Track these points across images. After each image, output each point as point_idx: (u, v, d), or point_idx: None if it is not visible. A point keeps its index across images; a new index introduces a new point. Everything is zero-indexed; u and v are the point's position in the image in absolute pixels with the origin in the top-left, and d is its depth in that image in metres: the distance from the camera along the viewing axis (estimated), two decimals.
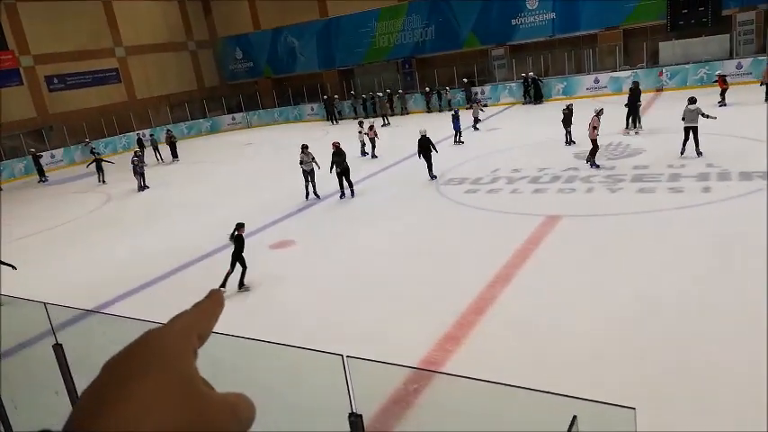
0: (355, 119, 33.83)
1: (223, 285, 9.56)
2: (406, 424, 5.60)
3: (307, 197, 15.45)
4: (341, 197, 15.02)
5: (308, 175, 15.27)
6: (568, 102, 17.72)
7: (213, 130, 38.11)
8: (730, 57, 25.10)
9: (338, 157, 14.79)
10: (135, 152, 22.39)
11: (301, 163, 15.16)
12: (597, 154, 14.44)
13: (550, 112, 23.68)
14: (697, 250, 8.82)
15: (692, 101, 14.19)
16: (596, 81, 26.91)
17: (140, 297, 10.26)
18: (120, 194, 20.78)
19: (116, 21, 36.09)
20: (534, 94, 27.82)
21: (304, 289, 9.67)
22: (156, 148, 27.77)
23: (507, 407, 3.07)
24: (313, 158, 15.12)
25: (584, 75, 28.16)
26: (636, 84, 18.31)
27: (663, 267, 8.41)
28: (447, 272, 9.43)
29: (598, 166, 14.24)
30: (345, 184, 14.96)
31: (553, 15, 29.13)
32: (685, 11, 25.54)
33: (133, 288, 10.67)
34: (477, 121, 22.69)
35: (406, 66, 34.88)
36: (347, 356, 3.07)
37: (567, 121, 17.13)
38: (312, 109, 36.82)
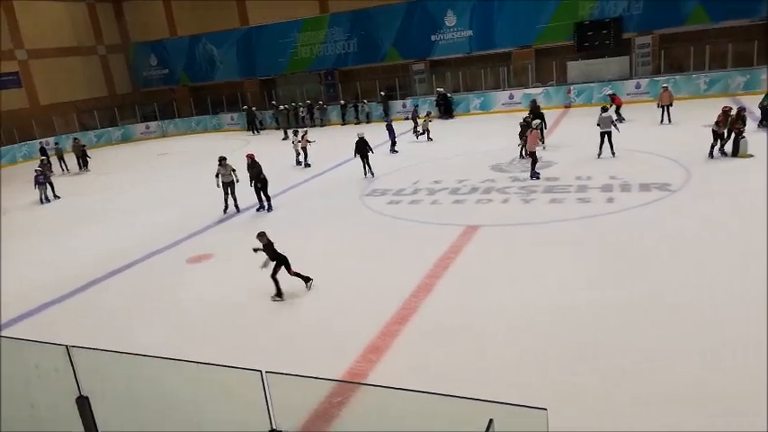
0: (277, 129, 33.56)
1: (306, 280, 9.26)
2: None
3: (225, 210, 14.99)
4: (257, 209, 14.72)
5: (228, 187, 14.81)
6: (482, 117, 18.05)
7: (125, 138, 36.28)
8: (630, 77, 27.12)
9: (253, 169, 14.43)
10: (41, 161, 20.98)
11: (217, 175, 14.73)
12: (537, 165, 15.01)
13: (465, 125, 24.51)
14: (604, 256, 9.40)
15: (605, 109, 16.26)
16: (511, 97, 28.18)
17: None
18: (19, 207, 19.27)
19: (16, 21, 33.65)
20: (444, 109, 28.77)
21: (219, 304, 9.37)
22: (61, 158, 26.07)
23: (428, 414, 3.13)
24: (233, 170, 14.71)
25: (499, 91, 29.41)
26: (533, 101, 19.22)
27: (573, 273, 8.89)
28: (369, 283, 9.47)
29: (539, 177, 14.82)
30: (264, 196, 14.63)
31: (470, 33, 30.28)
32: (590, 33, 27.37)
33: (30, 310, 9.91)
34: (427, 132, 22.62)
35: (329, 77, 34.95)
36: (266, 372, 3.01)
37: (523, 133, 16.72)
38: (232, 118, 36.00)
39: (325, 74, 34.98)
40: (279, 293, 9.11)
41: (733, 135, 14.44)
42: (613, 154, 15.89)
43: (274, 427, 3.23)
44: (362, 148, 17.17)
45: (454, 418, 2.81)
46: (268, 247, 9.02)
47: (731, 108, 14.43)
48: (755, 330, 6.61)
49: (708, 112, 20.69)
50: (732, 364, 6.12)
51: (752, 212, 10.36)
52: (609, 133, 15.85)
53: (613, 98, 21.20)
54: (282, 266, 9.06)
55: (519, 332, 7.32)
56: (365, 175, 17.35)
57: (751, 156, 14.21)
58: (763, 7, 24.85)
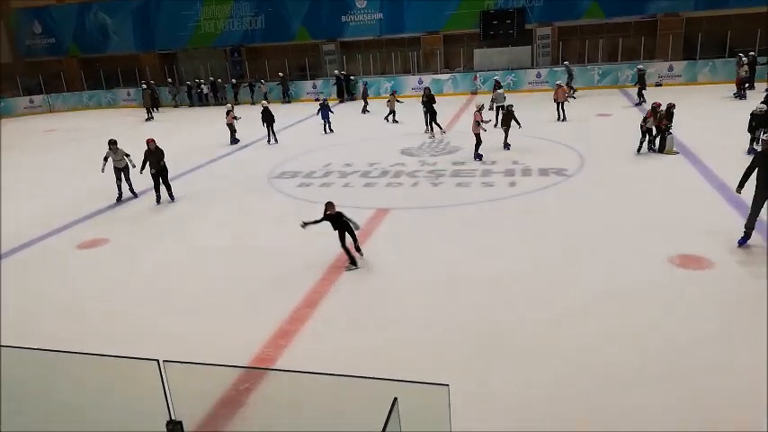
0: (176, 107, 31.95)
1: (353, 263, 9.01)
2: (236, 424, 5.41)
3: (120, 198, 13.69)
4: (157, 202, 13.17)
5: (121, 172, 13.50)
6: (508, 103, 16.80)
7: (5, 113, 32.98)
8: (532, 66, 28.43)
9: (153, 156, 12.92)
10: None
11: (106, 159, 13.36)
12: (480, 147, 15.23)
13: (375, 108, 24.53)
14: (509, 236, 9.84)
15: (498, 85, 18.63)
16: (420, 81, 28.60)
17: None
18: None
19: None
20: (338, 92, 28.94)
21: (118, 292, 8.83)
22: None
23: (335, 396, 3.12)
24: (125, 155, 13.39)
25: (409, 75, 29.77)
26: (427, 89, 19.48)
27: (478, 252, 9.24)
28: (279, 267, 9.30)
29: (481, 158, 15.07)
30: (163, 187, 13.18)
31: (380, 16, 30.30)
32: (495, 22, 28.32)
33: None
34: (393, 113, 21.76)
35: (235, 54, 33.67)
36: (164, 361, 2.85)
37: (506, 120, 16.14)
38: (129, 94, 33.79)
39: (230, 50, 33.65)
40: (353, 262, 9.00)
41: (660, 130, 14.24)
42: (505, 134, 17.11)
43: (173, 418, 3.08)
44: (269, 117, 19.00)
45: (360, 398, 2.81)
46: (335, 217, 8.95)
47: (660, 104, 14.38)
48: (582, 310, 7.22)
49: (601, 101, 22.25)
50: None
51: (629, 200, 11.27)
52: (502, 107, 17.59)
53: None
54: (348, 235, 9.02)
55: (425, 311, 7.50)
56: (268, 141, 19.17)
57: (676, 152, 14.08)
58: (650, 6, 26.90)
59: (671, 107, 14.22)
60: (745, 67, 21.15)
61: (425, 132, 18.95)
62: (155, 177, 13.06)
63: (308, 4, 31.00)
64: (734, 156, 13.08)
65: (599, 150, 15.05)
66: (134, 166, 13.37)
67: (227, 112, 19.90)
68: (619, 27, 28.17)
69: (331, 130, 20.56)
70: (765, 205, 8.38)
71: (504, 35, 28.31)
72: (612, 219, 10.31)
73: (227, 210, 12.64)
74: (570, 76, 22.94)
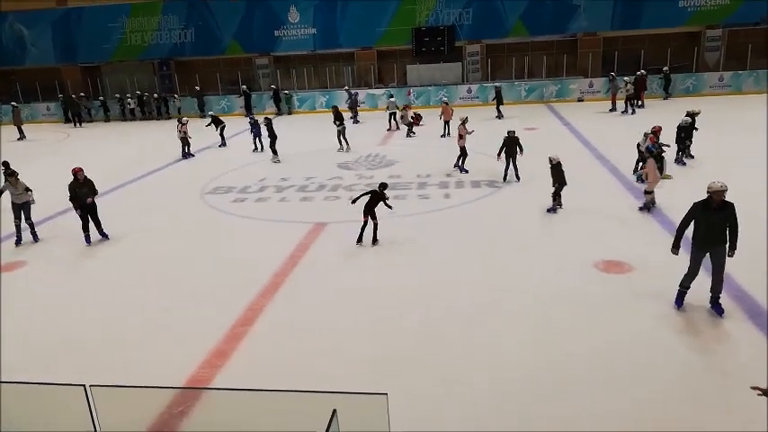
0: (106, 122, 30.69)
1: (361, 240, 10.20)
2: None
3: (19, 242, 11.28)
4: (87, 242, 11.06)
5: (20, 209, 11.11)
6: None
7: None
8: (462, 82, 29.28)
9: (82, 188, 10.76)
10: None
11: (0, 192, 11.15)
12: (465, 160, 15.08)
13: (310, 122, 24.45)
14: (442, 245, 10.04)
15: (391, 95, 21.15)
16: (350, 95, 28.76)
17: None
18: None
19: None
20: (280, 104, 28.98)
21: (45, 314, 8.32)
22: None
23: (274, 412, 3.09)
24: (26, 189, 11.12)
25: (344, 89, 29.91)
26: (335, 107, 19.76)
27: (413, 263, 9.38)
28: (213, 285, 9.07)
29: (467, 171, 15.00)
30: (94, 222, 11.13)
31: (314, 31, 30.38)
32: (427, 39, 29.02)
33: None
34: (409, 125, 21.42)
35: (164, 68, 32.73)
36: (90, 385, 2.73)
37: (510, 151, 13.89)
38: (48, 108, 32.07)
39: (159, 64, 32.69)
40: (374, 239, 10.29)
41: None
42: (397, 127, 21.55)
43: None
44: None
45: (300, 412, 2.80)
46: (379, 195, 10.26)
47: (660, 128, 13.24)
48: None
49: (528, 116, 23.19)
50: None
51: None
52: (394, 114, 21.64)
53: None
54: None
55: (365, 324, 7.52)
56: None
57: (669, 177, 13.19)
58: (571, 26, 28.43)
59: (658, 131, 13.32)
60: (629, 86, 23.16)
61: (339, 150, 19.00)
62: (83, 215, 10.95)
63: (239, 18, 30.63)
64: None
65: (527, 162, 15.66)
66: (34, 202, 11.33)
67: (182, 125, 19.30)
68: (543, 45, 29.58)
69: (261, 149, 19.52)
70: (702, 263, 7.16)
71: (436, 52, 29.04)
72: (543, 227, 10.75)
73: (158, 227, 12.19)
74: (499, 98, 23.73)
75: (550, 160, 11.35)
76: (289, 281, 9.03)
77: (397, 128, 22.79)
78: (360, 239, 10.33)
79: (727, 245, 6.90)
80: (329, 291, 8.59)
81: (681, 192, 12.27)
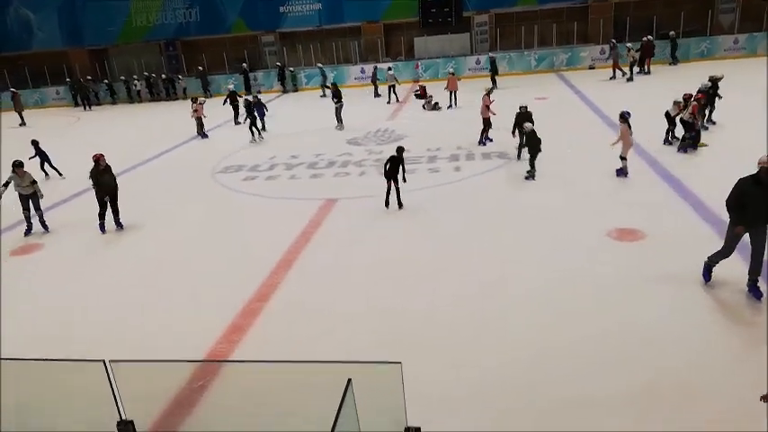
0: (114, 104, 30.77)
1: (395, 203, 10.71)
2: (192, 422, 5.34)
3: (29, 231, 11.18)
4: (102, 230, 10.93)
5: (29, 200, 11.05)
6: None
7: None
8: (471, 53, 28.87)
9: (104, 175, 10.66)
10: None
11: (6, 185, 10.87)
12: (489, 131, 14.91)
13: (318, 99, 24.29)
14: (457, 220, 10.03)
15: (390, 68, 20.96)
16: (362, 71, 28.55)
17: None
18: None
19: None
20: (282, 82, 28.78)
21: (65, 296, 8.49)
22: None
23: (291, 382, 3.15)
24: (32, 182, 11.01)
25: (351, 65, 29.65)
26: (334, 84, 19.59)
27: (424, 237, 9.40)
28: (228, 262, 9.17)
29: (491, 140, 14.83)
30: (112, 210, 10.94)
31: (319, 6, 29.98)
32: (434, 10, 28.51)
33: None
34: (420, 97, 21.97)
35: (170, 48, 32.59)
36: (110, 361, 2.80)
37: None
38: (57, 93, 32.19)
39: (165, 44, 32.54)
40: (399, 203, 10.79)
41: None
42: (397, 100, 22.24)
43: (123, 418, 3.03)
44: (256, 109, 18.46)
45: (316, 383, 2.86)
46: (397, 159, 10.61)
47: (691, 96, 12.90)
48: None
49: (539, 85, 22.86)
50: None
51: (567, 179, 11.72)
52: (393, 87, 22.37)
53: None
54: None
55: (376, 298, 7.58)
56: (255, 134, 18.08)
57: (705, 145, 12.81)
58: None
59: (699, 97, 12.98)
60: (633, 53, 22.77)
61: (336, 127, 18.77)
62: (102, 202, 10.84)
63: None
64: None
65: (539, 133, 15.49)
66: (42, 196, 11.20)
67: (200, 104, 19.28)
68: (552, 13, 28.96)
69: (264, 129, 19.07)
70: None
71: (443, 23, 28.55)
72: (555, 197, 10.69)
73: (171, 209, 12.30)
74: (494, 68, 23.73)
75: (524, 128, 11.65)
76: (302, 257, 9.10)
77: (397, 101, 22.74)
78: (387, 203, 10.77)
79: None
80: (341, 267, 8.64)
81: (702, 161, 12.18)
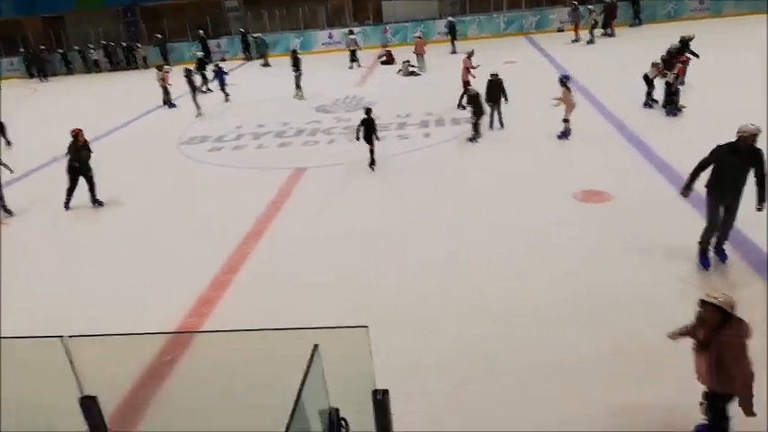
0: (69, 75, 29.62)
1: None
2: (162, 395, 5.30)
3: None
4: (66, 207, 10.49)
5: None
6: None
7: None
8: (439, 17, 28.45)
9: (81, 152, 10.29)
10: None
11: None
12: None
13: (284, 67, 23.58)
14: (422, 186, 10.01)
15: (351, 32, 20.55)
16: (330, 36, 27.95)
17: None
18: None
19: None
20: (250, 49, 27.94)
21: (30, 272, 8.26)
22: None
23: (260, 352, 3.12)
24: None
25: (319, 30, 28.96)
26: (293, 52, 18.86)
27: (393, 205, 9.37)
28: (197, 235, 9.02)
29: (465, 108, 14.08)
30: (88, 186, 10.48)
31: None
32: None
33: None
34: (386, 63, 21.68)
35: (129, 14, 31.30)
36: (69, 336, 2.71)
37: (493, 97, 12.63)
38: (12, 63, 30.76)
39: (124, 11, 31.23)
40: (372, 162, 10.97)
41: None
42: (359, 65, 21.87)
43: (85, 394, 2.95)
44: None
45: (285, 352, 2.83)
46: (369, 121, 10.77)
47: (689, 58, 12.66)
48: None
49: (508, 49, 22.73)
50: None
51: (535, 143, 11.78)
52: (354, 52, 21.90)
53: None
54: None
55: (345, 266, 7.56)
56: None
57: (683, 107, 12.59)
58: None
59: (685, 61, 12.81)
60: (595, 15, 22.82)
61: (295, 96, 18.26)
62: (73, 176, 10.28)
63: None
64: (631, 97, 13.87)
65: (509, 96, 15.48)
66: (12, 171, 10.90)
67: (166, 72, 18.61)
68: None
69: (226, 96, 18.74)
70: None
71: None
72: (522, 161, 10.74)
73: (135, 179, 11.98)
74: (452, 32, 23.69)
75: (468, 90, 11.72)
76: (271, 228, 9.01)
77: (359, 65, 22.57)
78: (371, 165, 10.98)
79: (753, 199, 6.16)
80: (311, 237, 8.57)
81: (671, 122, 12.33)
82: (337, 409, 2.59)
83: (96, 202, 10.61)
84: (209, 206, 10.20)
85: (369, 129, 10.75)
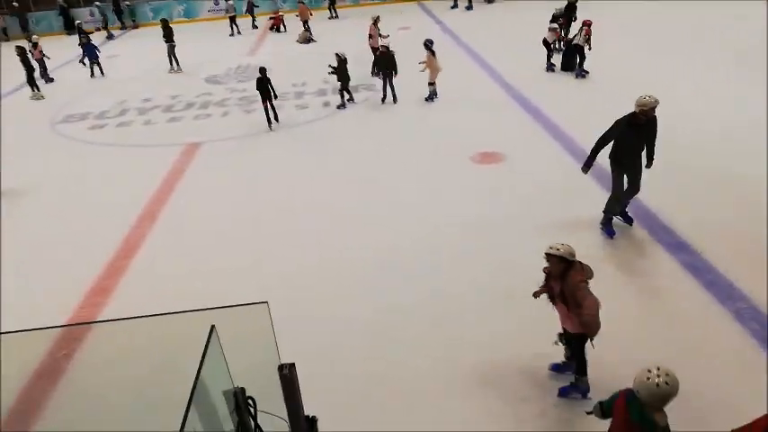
0: None
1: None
2: (61, 392, 5.00)
3: None
4: None
5: None
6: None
7: None
8: None
9: None
10: None
11: None
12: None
13: (158, 37, 22.29)
14: (328, 157, 9.94)
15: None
16: (216, 3, 26.50)
17: None
18: None
19: None
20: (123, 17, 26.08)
21: None
22: None
23: (159, 338, 3.03)
24: None
25: None
26: (164, 20, 17.74)
27: (298, 176, 9.26)
28: (86, 221, 8.41)
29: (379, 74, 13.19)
30: None
31: None
32: None
33: None
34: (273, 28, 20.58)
35: None
36: None
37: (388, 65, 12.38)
38: None
39: None
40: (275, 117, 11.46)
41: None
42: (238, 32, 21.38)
43: None
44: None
45: (182, 335, 2.76)
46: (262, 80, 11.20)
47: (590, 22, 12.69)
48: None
49: (400, 15, 22.80)
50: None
51: (435, 109, 12.07)
52: (234, 17, 21.52)
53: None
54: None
55: (246, 239, 7.42)
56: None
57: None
58: None
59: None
60: None
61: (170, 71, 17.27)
62: None
63: None
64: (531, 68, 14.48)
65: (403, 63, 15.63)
66: None
67: (35, 45, 16.71)
68: None
69: (101, 73, 17.38)
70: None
71: None
72: (422, 122, 10.97)
73: (10, 169, 10.85)
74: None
75: (338, 55, 11.96)
76: (167, 208, 8.59)
77: (239, 32, 22.02)
78: (269, 123, 11.36)
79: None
80: (209, 215, 8.26)
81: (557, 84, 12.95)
82: (243, 389, 2.58)
83: None
84: (96, 190, 9.51)
85: (264, 87, 11.07)
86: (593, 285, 4.18)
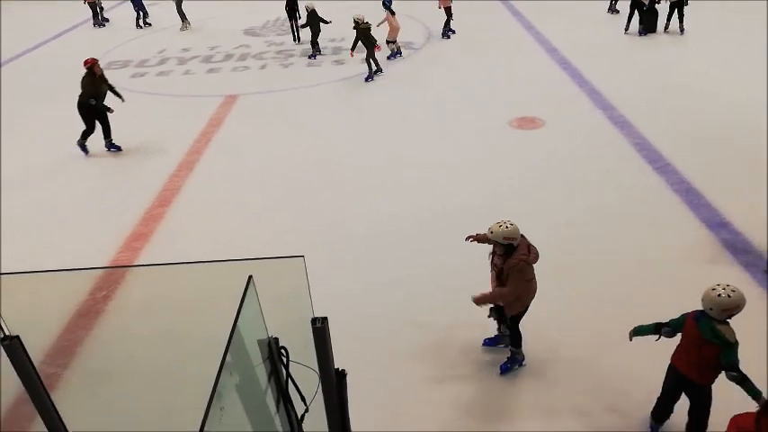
0: None
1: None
2: (95, 333, 5.21)
3: None
4: (83, 149, 9.08)
5: None
6: None
7: None
8: None
9: (101, 86, 8.89)
10: None
11: None
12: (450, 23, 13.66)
13: None
14: (362, 114, 9.87)
15: None
16: None
17: None
18: None
19: None
20: None
21: None
22: None
23: (194, 284, 3.09)
24: None
25: None
26: None
27: (333, 133, 9.22)
28: (126, 169, 8.59)
29: (454, 32, 13.66)
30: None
31: None
32: None
33: None
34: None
35: None
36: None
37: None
38: None
39: None
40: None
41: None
42: None
43: (7, 333, 2.83)
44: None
45: (218, 283, 2.80)
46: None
47: None
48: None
49: None
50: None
51: (473, 70, 11.76)
52: None
53: None
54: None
55: (279, 194, 7.47)
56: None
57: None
58: None
59: None
60: None
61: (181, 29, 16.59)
62: (90, 115, 8.79)
63: None
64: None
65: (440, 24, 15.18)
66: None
67: None
68: None
69: (147, 24, 17.13)
70: None
71: None
72: (461, 88, 10.73)
73: (52, 112, 11.10)
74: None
75: (306, 7, 12.59)
76: (203, 159, 8.69)
77: None
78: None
79: None
80: (244, 168, 8.32)
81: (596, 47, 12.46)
82: (276, 339, 2.62)
83: (113, 146, 9.12)
84: (135, 137, 9.65)
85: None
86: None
